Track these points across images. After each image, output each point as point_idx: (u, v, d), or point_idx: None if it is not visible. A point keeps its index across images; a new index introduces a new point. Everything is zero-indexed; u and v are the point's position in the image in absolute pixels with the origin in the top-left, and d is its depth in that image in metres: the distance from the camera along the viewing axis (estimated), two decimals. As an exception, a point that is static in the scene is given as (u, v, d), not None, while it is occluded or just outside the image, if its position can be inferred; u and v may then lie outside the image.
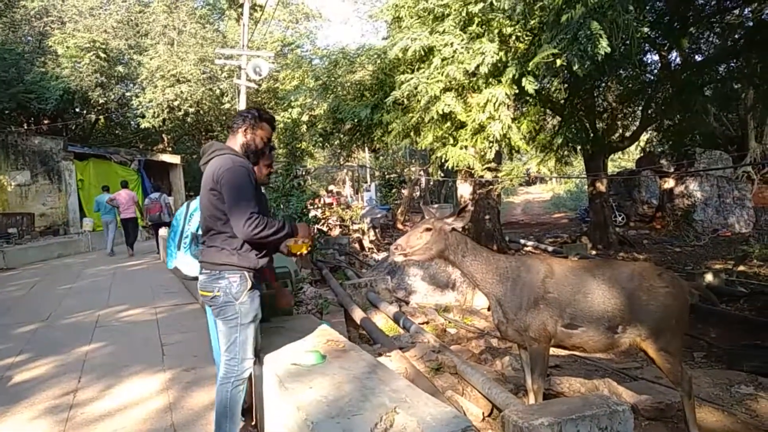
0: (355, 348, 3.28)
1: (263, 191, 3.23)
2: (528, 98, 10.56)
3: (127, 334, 6.04)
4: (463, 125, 9.93)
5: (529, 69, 8.22)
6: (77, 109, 23.07)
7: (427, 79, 9.36)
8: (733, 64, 12.43)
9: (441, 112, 9.50)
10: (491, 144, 9.71)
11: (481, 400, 4.15)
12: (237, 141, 2.98)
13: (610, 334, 3.40)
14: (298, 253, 3.05)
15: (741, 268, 11.38)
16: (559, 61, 7.43)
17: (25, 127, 20.48)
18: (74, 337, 5.90)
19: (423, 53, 9.62)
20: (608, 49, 6.91)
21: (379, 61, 12.83)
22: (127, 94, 23.03)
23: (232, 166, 2.75)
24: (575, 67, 7.27)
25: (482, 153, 10.06)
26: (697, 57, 14.24)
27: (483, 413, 3.98)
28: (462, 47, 9.07)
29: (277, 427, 2.83)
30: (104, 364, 4.94)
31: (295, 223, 2.99)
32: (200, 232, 3.09)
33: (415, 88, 9.54)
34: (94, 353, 5.31)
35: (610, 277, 3.45)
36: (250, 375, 3.04)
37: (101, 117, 23.22)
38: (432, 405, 2.32)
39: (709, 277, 9.56)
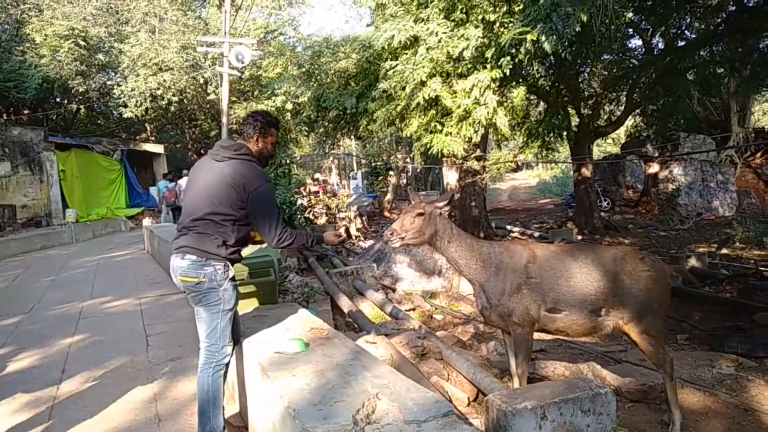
0: (339, 335, 3.28)
1: None
2: (513, 82, 10.53)
3: (112, 325, 5.99)
4: (448, 112, 9.88)
5: (503, 47, 8.14)
6: (58, 99, 22.61)
7: (413, 65, 9.29)
8: (715, 49, 12.46)
9: (427, 98, 9.44)
10: (477, 129, 9.68)
11: (466, 385, 4.18)
12: (251, 148, 3.06)
13: (593, 318, 3.43)
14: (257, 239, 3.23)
15: (724, 251, 11.52)
16: (529, 37, 7.38)
17: (5, 118, 20.06)
18: (58, 329, 5.84)
19: (408, 42, 9.54)
20: (578, 29, 6.86)
21: (363, 51, 12.71)
22: (109, 83, 22.59)
23: (264, 185, 2.93)
24: (544, 44, 7.21)
25: (468, 138, 10.03)
26: (679, 41, 14.28)
27: (468, 398, 4.01)
28: (446, 35, 9.00)
29: (260, 416, 2.82)
30: (88, 355, 4.90)
31: (323, 234, 3.30)
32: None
33: (401, 75, 9.46)
34: (77, 345, 5.26)
35: (593, 261, 3.46)
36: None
37: (82, 106, 22.81)
38: (414, 390, 2.32)
39: (692, 261, 9.67)
